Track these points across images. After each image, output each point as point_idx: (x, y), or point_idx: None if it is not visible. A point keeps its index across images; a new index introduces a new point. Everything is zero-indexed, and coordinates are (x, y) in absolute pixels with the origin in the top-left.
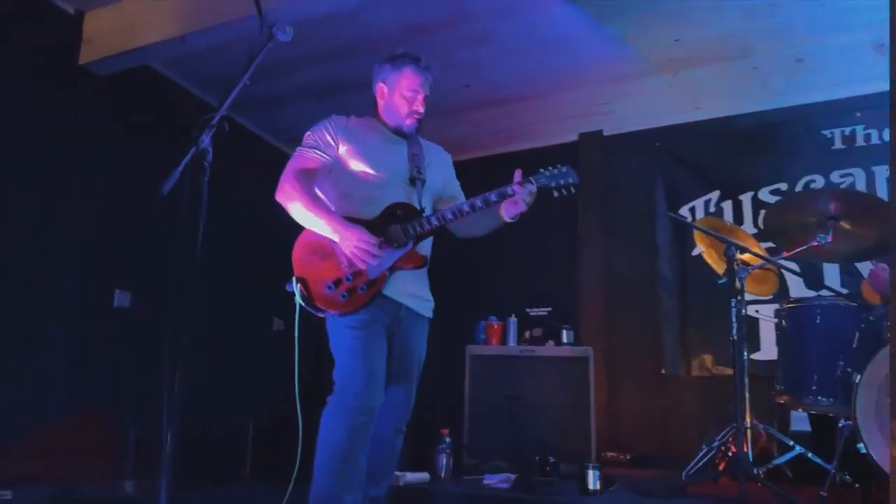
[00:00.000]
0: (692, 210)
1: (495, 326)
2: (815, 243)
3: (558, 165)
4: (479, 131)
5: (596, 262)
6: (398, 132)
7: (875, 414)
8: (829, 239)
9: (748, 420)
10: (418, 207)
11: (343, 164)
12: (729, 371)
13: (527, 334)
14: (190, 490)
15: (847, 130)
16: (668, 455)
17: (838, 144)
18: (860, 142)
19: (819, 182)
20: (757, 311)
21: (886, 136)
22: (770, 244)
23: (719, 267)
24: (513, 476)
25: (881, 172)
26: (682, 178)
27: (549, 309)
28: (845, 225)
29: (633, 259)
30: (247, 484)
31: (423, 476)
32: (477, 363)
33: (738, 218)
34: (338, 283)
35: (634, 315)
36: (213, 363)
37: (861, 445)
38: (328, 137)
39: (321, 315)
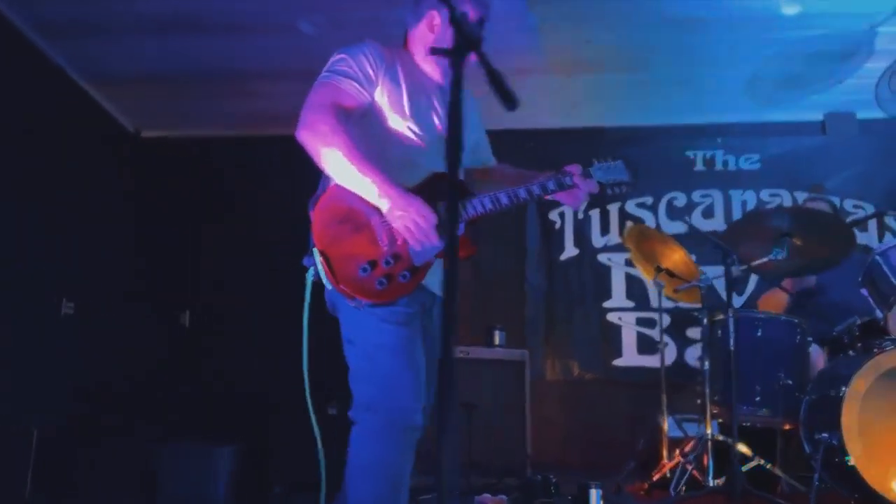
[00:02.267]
0: (561, 215)
1: None
2: (770, 259)
3: (609, 158)
4: None
5: (464, 262)
6: (440, 80)
7: (858, 428)
8: (784, 256)
9: (709, 431)
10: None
11: (377, 112)
12: (591, 376)
13: None
14: None
15: (708, 154)
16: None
17: (699, 166)
18: (719, 166)
19: (681, 199)
20: (619, 319)
21: (743, 163)
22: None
23: (649, 274)
24: (505, 497)
25: (737, 195)
26: None
27: None
28: (797, 242)
29: (501, 260)
30: None
31: None
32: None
33: (605, 227)
34: (373, 265)
35: (499, 317)
36: None
37: (848, 458)
38: (369, 69)
39: (351, 303)
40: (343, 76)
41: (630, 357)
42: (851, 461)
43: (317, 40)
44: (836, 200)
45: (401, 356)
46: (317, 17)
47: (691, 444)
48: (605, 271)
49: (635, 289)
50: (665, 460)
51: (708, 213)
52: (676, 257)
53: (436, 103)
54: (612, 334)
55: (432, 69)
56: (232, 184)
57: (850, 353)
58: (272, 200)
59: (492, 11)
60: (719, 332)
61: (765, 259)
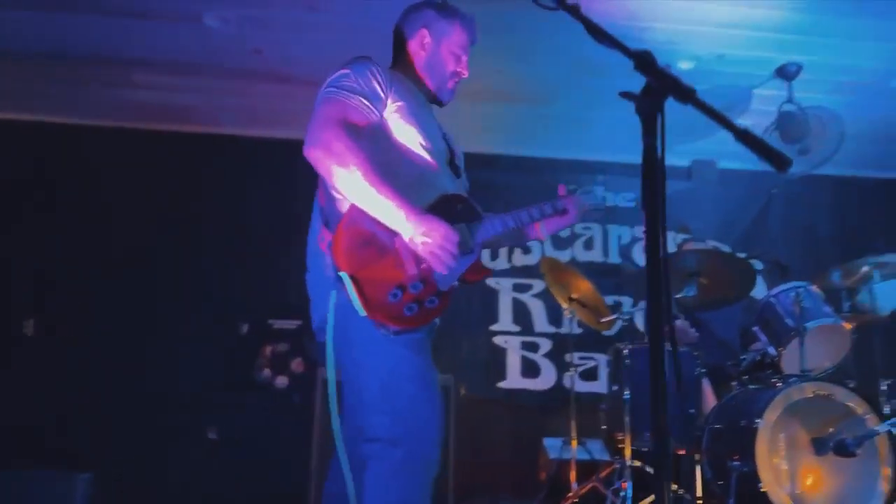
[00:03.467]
0: None
1: None
2: (682, 296)
3: (587, 186)
4: (243, 104)
5: None
6: (433, 99)
7: (769, 456)
8: (694, 293)
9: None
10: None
11: (386, 129)
12: (476, 397)
13: (267, 350)
14: None
15: (588, 190)
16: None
17: None
18: (598, 201)
19: (564, 230)
20: (505, 342)
21: (620, 200)
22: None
23: (564, 302)
24: None
25: (614, 230)
26: None
27: (299, 322)
28: (704, 281)
29: None
30: None
31: None
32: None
33: (494, 252)
34: (403, 290)
35: None
36: None
37: (760, 485)
38: (377, 86)
39: (381, 331)
40: (351, 92)
41: (514, 380)
42: (763, 487)
43: (221, 36)
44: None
45: (424, 386)
46: (227, 12)
47: (608, 470)
48: (493, 295)
49: (521, 313)
50: (574, 486)
51: (588, 245)
52: (584, 288)
53: (437, 121)
54: (498, 357)
55: (427, 86)
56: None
57: (750, 386)
58: (135, 195)
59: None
60: (627, 361)
61: (678, 296)
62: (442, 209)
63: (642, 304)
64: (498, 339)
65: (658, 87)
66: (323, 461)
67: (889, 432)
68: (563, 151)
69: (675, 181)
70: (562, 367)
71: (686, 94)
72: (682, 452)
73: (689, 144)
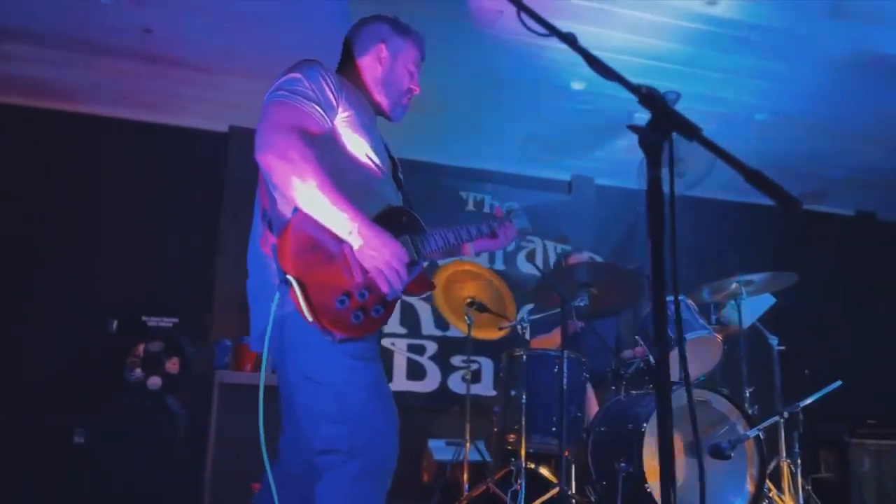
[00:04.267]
0: None
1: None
2: (576, 304)
3: (514, 207)
4: (127, 85)
5: (236, 273)
6: (379, 112)
7: (653, 458)
8: (586, 302)
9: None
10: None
11: (336, 137)
12: None
13: (140, 349)
14: None
15: (478, 197)
16: None
17: (470, 206)
18: (486, 208)
19: None
20: (392, 344)
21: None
22: None
23: (455, 312)
24: None
25: None
26: None
27: (175, 320)
28: (594, 291)
29: None
30: None
31: None
32: (229, 394)
33: None
34: (349, 296)
35: None
36: None
37: (647, 485)
38: (329, 94)
39: (327, 337)
40: (304, 98)
41: (399, 382)
42: (649, 488)
43: (110, 13)
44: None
45: (378, 395)
46: None
47: (503, 472)
48: None
49: (408, 316)
50: (466, 488)
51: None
52: (486, 294)
53: (380, 133)
54: (385, 359)
55: (378, 99)
56: None
57: (633, 391)
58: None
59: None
60: (519, 367)
61: (573, 304)
62: (388, 220)
63: (525, 310)
64: (385, 342)
65: (664, 123)
66: (219, 469)
67: (757, 437)
68: (458, 159)
69: (556, 194)
70: (446, 369)
71: (692, 131)
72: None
73: (571, 161)
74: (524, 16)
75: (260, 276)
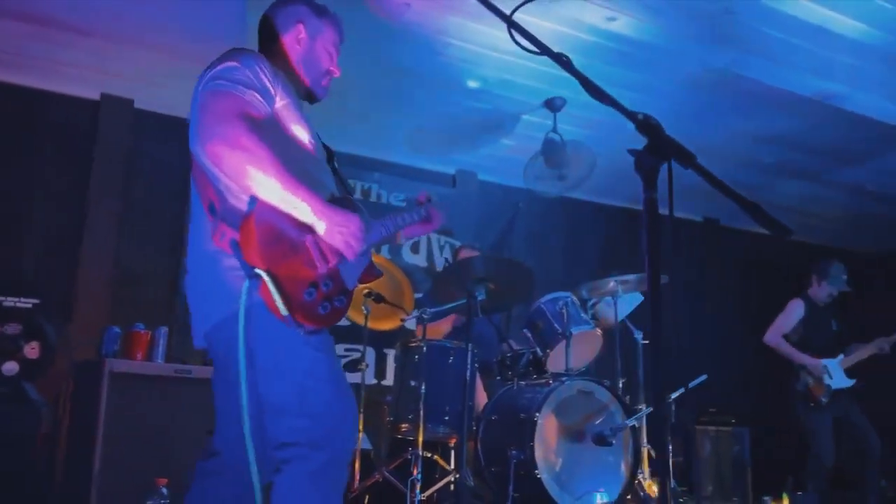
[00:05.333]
0: None
1: (143, 335)
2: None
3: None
4: None
5: (105, 252)
6: (307, 95)
7: (543, 445)
8: (483, 296)
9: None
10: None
11: (275, 124)
12: None
13: None
14: None
15: (366, 185)
16: None
17: (357, 195)
18: (374, 197)
19: None
20: None
21: (392, 199)
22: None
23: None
24: None
25: None
26: None
27: (35, 301)
28: (491, 285)
29: (151, 257)
30: None
31: None
32: (119, 384)
33: None
34: (316, 287)
35: (144, 319)
36: None
37: (537, 472)
38: (266, 81)
39: (299, 330)
40: (244, 86)
41: None
42: (539, 475)
43: None
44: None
45: (338, 387)
46: None
47: (398, 461)
48: None
49: None
50: (357, 478)
51: None
52: (386, 286)
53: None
54: None
55: (303, 81)
56: None
57: (522, 382)
58: None
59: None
60: (416, 357)
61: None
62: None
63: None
64: None
65: (662, 149)
66: (109, 465)
67: (633, 426)
68: (348, 146)
69: (442, 187)
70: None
71: (688, 159)
72: (452, 441)
73: (457, 156)
74: (516, 33)
75: (208, 273)
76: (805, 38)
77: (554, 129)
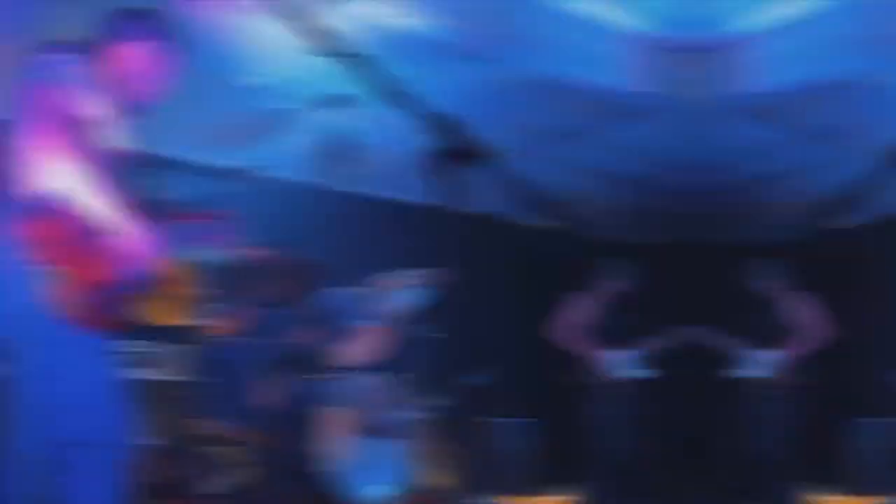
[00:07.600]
0: None
1: None
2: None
3: None
4: None
5: None
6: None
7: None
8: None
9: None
10: None
11: (90, 123)
12: None
13: None
14: None
15: (153, 184)
16: None
17: (144, 193)
18: (160, 196)
19: None
20: None
21: (180, 196)
22: None
23: None
24: None
25: None
26: None
27: None
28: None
29: None
30: None
31: None
32: None
33: None
34: (106, 290)
35: None
36: None
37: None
38: (86, 78)
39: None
40: (64, 82)
41: None
42: (325, 467)
43: None
44: None
45: (120, 385)
46: None
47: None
48: None
49: None
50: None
51: None
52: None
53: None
54: None
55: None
56: None
57: (310, 376)
58: None
59: None
60: (204, 352)
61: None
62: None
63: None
64: None
65: (449, 146)
66: None
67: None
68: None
69: (228, 183)
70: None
71: (473, 156)
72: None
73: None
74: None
75: None
76: None
77: (342, 125)
